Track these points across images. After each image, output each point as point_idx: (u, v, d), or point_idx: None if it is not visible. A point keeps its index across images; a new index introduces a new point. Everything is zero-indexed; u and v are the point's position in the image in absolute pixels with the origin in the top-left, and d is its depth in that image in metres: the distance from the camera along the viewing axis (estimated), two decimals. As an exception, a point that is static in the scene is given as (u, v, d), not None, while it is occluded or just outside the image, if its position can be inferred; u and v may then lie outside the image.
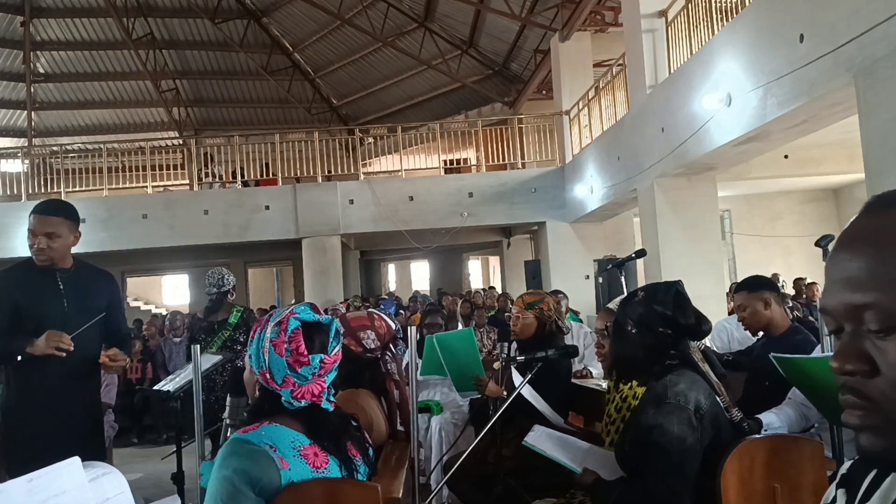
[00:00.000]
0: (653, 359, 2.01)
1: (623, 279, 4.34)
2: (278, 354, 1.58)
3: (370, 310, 2.65)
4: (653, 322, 2.02)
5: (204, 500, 1.51)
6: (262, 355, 1.60)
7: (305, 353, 1.59)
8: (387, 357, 2.47)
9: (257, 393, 1.64)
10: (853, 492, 0.77)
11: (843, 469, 0.81)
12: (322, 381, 1.62)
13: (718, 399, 2.00)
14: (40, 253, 2.62)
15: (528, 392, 2.26)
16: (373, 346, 2.37)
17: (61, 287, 2.66)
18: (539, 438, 2.26)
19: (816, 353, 2.73)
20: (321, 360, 1.61)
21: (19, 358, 2.51)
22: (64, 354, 2.50)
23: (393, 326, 2.48)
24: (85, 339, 2.62)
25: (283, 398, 1.59)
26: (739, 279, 4.65)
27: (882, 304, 0.64)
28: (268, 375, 1.59)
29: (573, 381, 3.73)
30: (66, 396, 2.64)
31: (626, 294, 2.29)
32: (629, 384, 2.46)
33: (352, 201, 11.84)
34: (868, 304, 0.65)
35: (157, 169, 12.73)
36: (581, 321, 6.87)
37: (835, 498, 0.80)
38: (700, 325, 2.08)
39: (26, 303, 2.60)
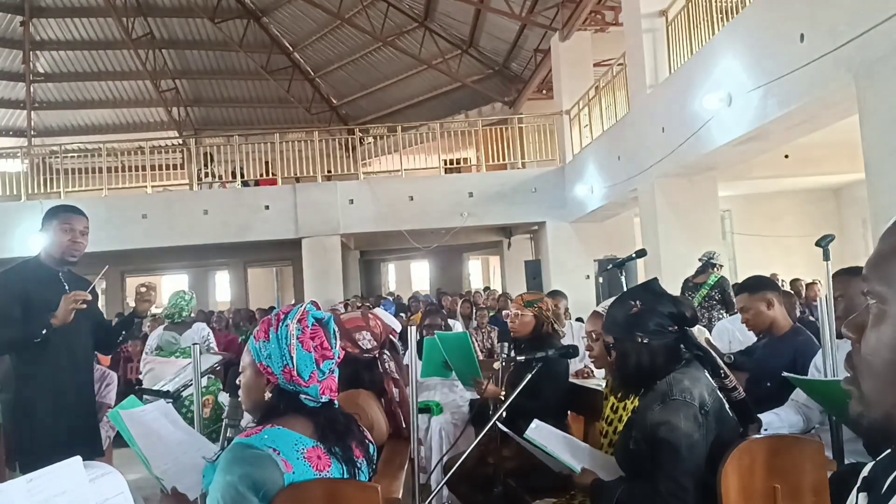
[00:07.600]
0: (670, 359, 2.02)
1: (623, 279, 4.32)
2: (306, 350, 1.57)
3: (363, 309, 2.64)
4: (663, 325, 2.02)
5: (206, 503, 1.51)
6: (287, 352, 1.56)
7: (329, 346, 1.60)
8: (385, 356, 2.45)
9: (267, 395, 1.59)
10: (875, 493, 0.77)
11: (865, 472, 0.81)
12: (334, 376, 1.63)
13: (721, 393, 2.00)
14: (79, 248, 2.85)
15: (541, 434, 2.22)
16: (369, 346, 2.36)
17: (65, 284, 2.85)
18: (540, 433, 2.24)
19: (819, 358, 2.72)
20: (338, 354, 1.63)
21: (44, 332, 2.67)
22: (85, 306, 2.69)
23: (398, 327, 2.48)
24: (81, 331, 2.86)
25: (303, 396, 1.57)
26: (740, 279, 4.65)
27: (877, 292, 0.71)
28: (294, 373, 1.55)
29: (574, 381, 3.73)
30: (69, 388, 2.82)
31: (611, 304, 2.20)
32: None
33: (352, 201, 11.83)
34: (870, 292, 0.72)
35: (157, 169, 12.72)
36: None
37: (856, 502, 0.79)
38: (693, 311, 2.09)
39: (37, 296, 2.77)
